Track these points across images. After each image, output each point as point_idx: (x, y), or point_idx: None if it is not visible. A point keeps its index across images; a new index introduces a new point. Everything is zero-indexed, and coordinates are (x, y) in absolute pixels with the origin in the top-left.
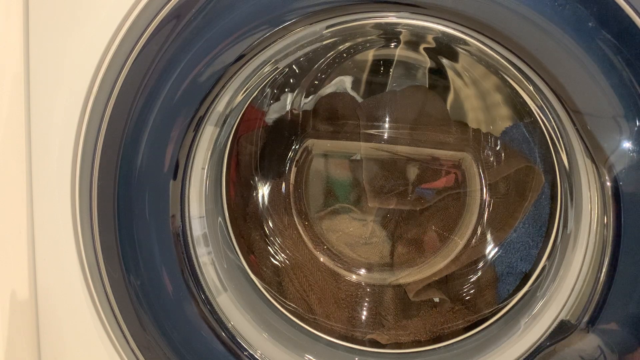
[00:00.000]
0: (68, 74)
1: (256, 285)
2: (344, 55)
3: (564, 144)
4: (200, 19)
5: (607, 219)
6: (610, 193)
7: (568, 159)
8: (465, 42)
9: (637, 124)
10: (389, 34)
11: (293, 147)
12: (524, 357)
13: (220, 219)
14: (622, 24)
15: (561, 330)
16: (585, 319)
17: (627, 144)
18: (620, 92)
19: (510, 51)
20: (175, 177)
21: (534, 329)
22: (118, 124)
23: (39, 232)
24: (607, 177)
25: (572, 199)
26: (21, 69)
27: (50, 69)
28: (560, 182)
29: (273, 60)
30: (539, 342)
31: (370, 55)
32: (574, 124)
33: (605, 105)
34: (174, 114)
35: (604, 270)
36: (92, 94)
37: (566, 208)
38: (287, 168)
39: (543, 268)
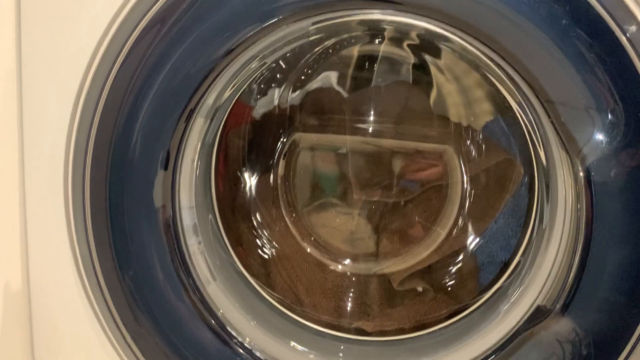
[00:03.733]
0: (60, 68)
1: (245, 276)
2: (330, 51)
3: (541, 138)
4: (189, 15)
5: (580, 208)
6: (583, 183)
7: (545, 152)
8: (447, 39)
9: (609, 117)
10: (374, 31)
11: (280, 140)
12: (502, 341)
13: (209, 211)
14: (594, 22)
15: (538, 315)
16: (560, 303)
17: (599, 136)
18: (592, 86)
19: (489, 47)
20: (166, 168)
21: (512, 315)
22: (110, 116)
23: (31, 223)
24: (580, 168)
25: (548, 190)
26: (14, 64)
27: (43, 63)
28: (538, 174)
29: (261, 56)
30: (517, 326)
31: (355, 51)
32: (549, 117)
33: (577, 97)
34: (165, 106)
35: (577, 257)
36: (84, 87)
37: (543, 199)
38: (274, 162)
39: (521, 257)
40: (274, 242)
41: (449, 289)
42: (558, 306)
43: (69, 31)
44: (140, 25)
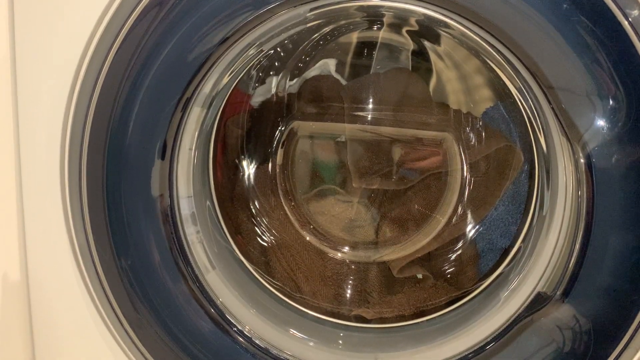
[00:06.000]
0: (55, 56)
1: (244, 264)
2: (328, 37)
3: (542, 124)
4: (185, 2)
5: (580, 195)
6: (583, 169)
7: (545, 138)
8: (447, 25)
9: (610, 102)
10: (373, 17)
11: (279, 129)
12: (502, 328)
13: (207, 200)
14: (596, 6)
15: (538, 302)
16: (560, 290)
17: (600, 122)
18: (594, 72)
19: (488, 32)
20: (163, 157)
21: (512, 302)
22: (106, 106)
23: (29, 213)
24: (581, 154)
25: (548, 177)
26: (7, 53)
27: (37, 51)
28: (538, 161)
29: (258, 43)
30: (517, 313)
31: (354, 37)
32: (550, 103)
33: (578, 82)
34: (161, 95)
35: (577, 244)
36: (79, 76)
37: (543, 185)
38: (273, 150)
39: (522, 243)
40: (273, 231)
41: (449, 276)
42: (558, 293)
43: (63, 20)
44: (133, 15)
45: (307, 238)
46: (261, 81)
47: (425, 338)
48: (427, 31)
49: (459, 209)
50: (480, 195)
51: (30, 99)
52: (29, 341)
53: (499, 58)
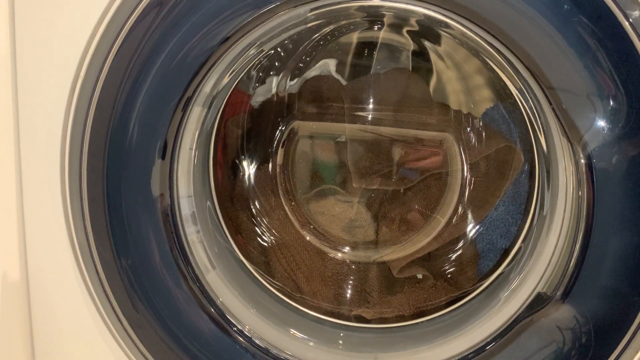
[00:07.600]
0: (56, 57)
1: (244, 264)
2: (329, 37)
3: (542, 125)
4: (185, 1)
5: (581, 195)
6: (584, 170)
7: (546, 139)
8: (447, 25)
9: (611, 103)
10: (373, 17)
11: (279, 129)
12: (502, 328)
13: (207, 200)
14: (596, 7)
15: (538, 302)
16: (561, 290)
17: (600, 123)
18: (594, 72)
19: (489, 32)
20: (163, 157)
21: (512, 302)
22: (106, 105)
23: (29, 213)
24: (581, 155)
25: (549, 178)
26: (8, 52)
27: (38, 51)
28: (538, 161)
29: (258, 43)
30: (517, 314)
31: (354, 37)
32: (550, 104)
33: (579, 83)
34: (162, 95)
35: (577, 244)
36: (80, 76)
37: (543, 186)
38: (273, 150)
39: (522, 244)
40: (273, 230)
41: (449, 276)
42: (558, 293)
43: (63, 19)
44: (134, 15)
45: (307, 238)
46: (261, 81)
47: (425, 338)
48: (428, 31)
49: (459, 209)
50: (480, 195)
51: (30, 99)
52: (29, 341)
53: (500, 58)
